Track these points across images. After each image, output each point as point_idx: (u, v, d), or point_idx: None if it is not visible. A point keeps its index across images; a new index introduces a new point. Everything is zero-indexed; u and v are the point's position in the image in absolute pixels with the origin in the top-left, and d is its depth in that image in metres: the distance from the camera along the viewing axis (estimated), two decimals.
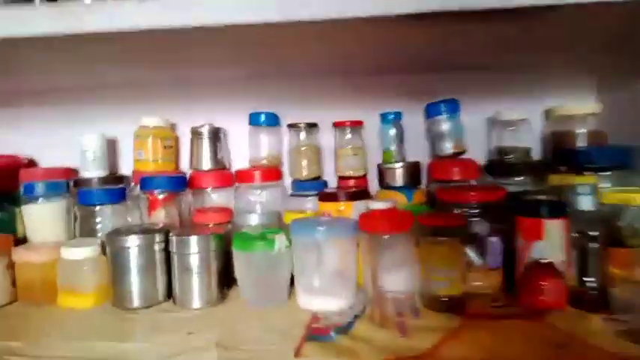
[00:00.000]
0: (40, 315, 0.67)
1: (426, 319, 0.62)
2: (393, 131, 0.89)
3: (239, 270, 0.69)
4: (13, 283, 0.71)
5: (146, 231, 0.70)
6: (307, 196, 0.87)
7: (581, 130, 0.82)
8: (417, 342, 0.55)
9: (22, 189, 0.80)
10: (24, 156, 0.96)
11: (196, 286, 0.68)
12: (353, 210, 0.75)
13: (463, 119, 0.87)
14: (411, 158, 0.91)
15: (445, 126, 0.85)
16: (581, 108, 0.82)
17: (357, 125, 0.91)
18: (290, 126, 0.93)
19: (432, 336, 0.57)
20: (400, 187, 0.84)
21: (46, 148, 1.00)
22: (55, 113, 1.01)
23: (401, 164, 0.85)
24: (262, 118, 0.91)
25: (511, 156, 0.84)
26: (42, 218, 0.81)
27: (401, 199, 0.82)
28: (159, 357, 0.53)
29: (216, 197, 0.90)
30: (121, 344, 0.57)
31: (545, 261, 0.65)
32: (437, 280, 0.65)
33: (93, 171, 0.88)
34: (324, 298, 0.66)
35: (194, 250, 0.68)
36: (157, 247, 0.70)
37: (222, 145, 0.94)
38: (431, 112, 0.87)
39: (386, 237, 0.66)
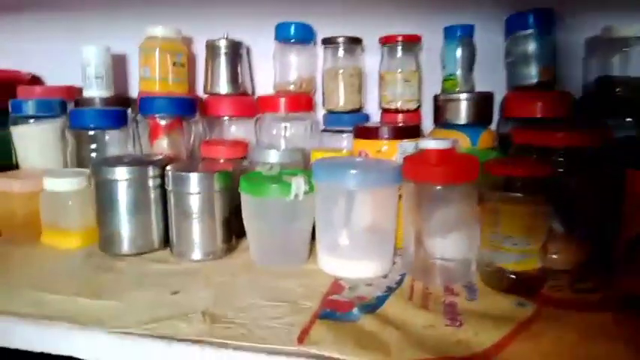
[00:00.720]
0: (13, 255, 0.57)
1: (484, 302, 0.46)
2: (459, 51, 0.69)
3: (247, 218, 0.55)
4: None
5: (139, 162, 0.57)
6: (343, 132, 0.70)
7: None
8: (471, 335, 0.40)
9: (10, 107, 0.68)
10: (27, 71, 0.84)
11: (196, 234, 0.55)
12: (397, 151, 0.58)
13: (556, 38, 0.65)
14: (479, 89, 0.71)
15: (532, 45, 0.64)
16: None
17: (412, 41, 0.70)
18: (326, 42, 0.74)
19: (492, 327, 0.41)
20: (463, 125, 0.65)
21: (50, 64, 0.88)
22: (58, 21, 0.88)
23: (467, 95, 0.65)
24: (292, 31, 0.73)
25: (619, 89, 0.62)
26: (32, 142, 0.70)
27: (463, 141, 0.64)
28: (136, 321, 0.41)
29: (234, 129, 0.75)
30: (92, 301, 0.45)
31: None
32: (505, 250, 0.48)
33: (95, 90, 0.75)
34: (351, 261, 0.52)
35: (194, 190, 0.54)
36: (151, 183, 0.57)
37: (244, 64, 0.77)
38: (513, 25, 0.66)
39: (438, 188, 0.49)
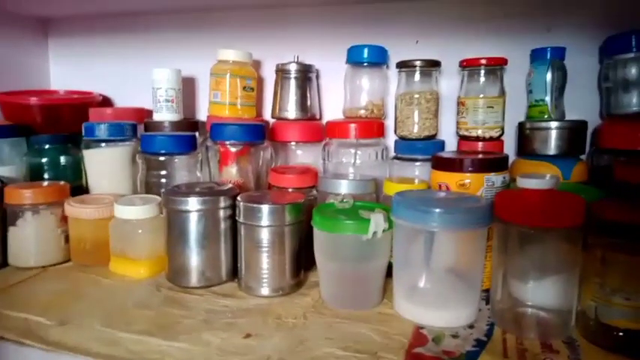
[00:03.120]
0: (83, 282, 0.56)
1: None
2: (549, 75, 0.63)
3: (320, 255, 0.52)
4: (67, 239, 0.62)
5: (211, 192, 0.56)
6: (417, 160, 0.66)
7: None
8: None
9: (83, 130, 0.69)
10: (98, 93, 0.87)
11: (265, 268, 0.52)
12: (484, 185, 0.53)
13: None
14: (568, 117, 0.65)
15: (634, 70, 0.57)
16: None
17: (496, 65, 0.65)
18: (401, 65, 0.71)
19: None
20: (554, 156, 0.59)
21: (121, 85, 0.90)
22: (130, 43, 0.90)
23: (559, 123, 0.59)
24: (365, 53, 0.70)
25: None
26: (103, 166, 0.70)
27: (553, 174, 0.58)
28: None
29: (301, 154, 0.73)
30: (163, 342, 0.43)
31: None
32: (615, 305, 0.42)
33: (165, 113, 0.76)
34: (432, 308, 0.47)
35: (265, 222, 0.52)
36: (221, 214, 0.55)
37: (313, 88, 0.75)
38: (613, 47, 0.59)
39: (539, 232, 0.43)
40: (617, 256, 0.42)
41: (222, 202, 0.54)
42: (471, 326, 0.46)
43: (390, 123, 0.74)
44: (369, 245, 0.48)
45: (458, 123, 0.69)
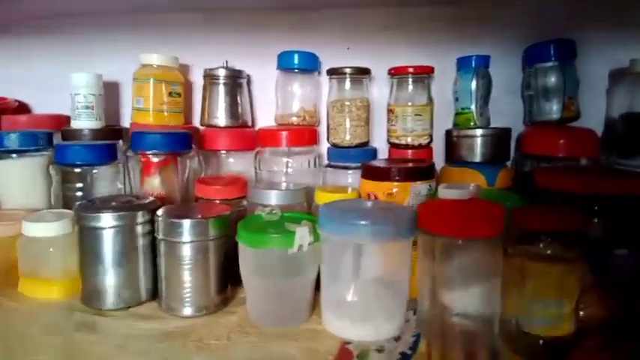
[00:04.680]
0: None
1: None
2: (474, 83, 0.64)
3: (245, 271, 0.49)
4: None
5: (127, 207, 0.52)
6: (349, 168, 0.65)
7: None
8: None
9: None
10: (13, 99, 0.80)
11: (187, 287, 0.49)
12: (410, 194, 0.53)
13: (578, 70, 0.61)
14: (493, 124, 0.66)
15: (553, 78, 0.59)
16: None
17: (424, 73, 0.66)
18: (332, 72, 0.70)
19: None
20: (479, 163, 0.60)
21: (39, 91, 0.83)
22: (47, 45, 0.83)
23: (484, 130, 0.61)
24: (295, 59, 0.69)
25: None
26: (14, 179, 0.64)
27: (478, 180, 0.59)
28: None
29: (232, 162, 0.70)
30: None
31: None
32: (534, 314, 0.42)
33: (84, 121, 0.71)
34: (359, 322, 0.46)
35: (187, 238, 0.49)
36: (139, 230, 0.51)
37: (244, 94, 0.73)
38: (533, 56, 0.61)
39: (459, 242, 0.44)
40: (535, 264, 0.43)
41: (140, 218, 0.51)
42: (397, 338, 0.46)
43: (323, 130, 0.73)
44: (295, 259, 0.47)
45: (388, 131, 0.69)
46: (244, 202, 0.59)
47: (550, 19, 0.65)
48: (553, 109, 0.60)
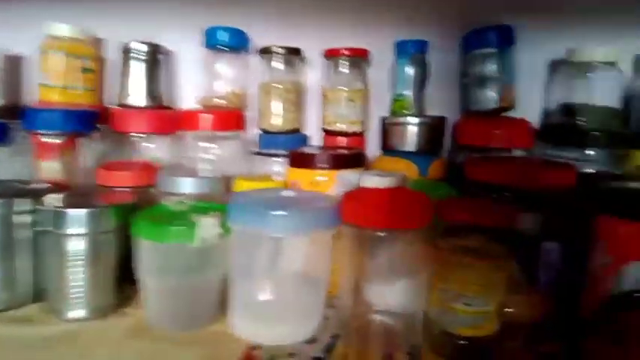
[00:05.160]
0: None
1: None
2: (411, 70, 0.61)
3: (140, 267, 0.43)
4: None
5: (6, 193, 0.45)
6: (278, 155, 0.60)
7: None
8: None
9: None
10: None
11: (75, 286, 0.43)
12: (337, 183, 0.49)
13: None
14: (430, 112, 0.63)
15: (491, 66, 0.57)
16: None
17: (359, 56, 0.62)
18: (262, 51, 0.64)
19: None
20: (412, 152, 0.57)
21: None
22: None
23: (418, 119, 0.57)
24: (222, 36, 0.63)
25: (584, 118, 0.56)
26: None
27: (411, 171, 0.55)
28: None
29: (150, 147, 0.63)
30: None
31: None
32: (457, 311, 0.39)
33: None
34: (271, 323, 0.41)
35: (75, 230, 0.42)
36: (16, 220, 0.44)
37: (163, 73, 0.66)
38: (471, 43, 0.58)
39: (382, 234, 0.40)
40: (460, 259, 0.40)
41: (19, 206, 0.44)
42: (312, 340, 0.41)
43: (254, 115, 0.68)
44: (199, 255, 0.41)
45: (323, 117, 0.64)
46: (153, 191, 0.53)
47: (490, 5, 0.63)
48: (489, 98, 0.58)
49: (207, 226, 0.41)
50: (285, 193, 0.46)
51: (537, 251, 0.44)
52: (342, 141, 0.62)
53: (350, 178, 0.49)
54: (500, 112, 0.58)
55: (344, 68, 0.62)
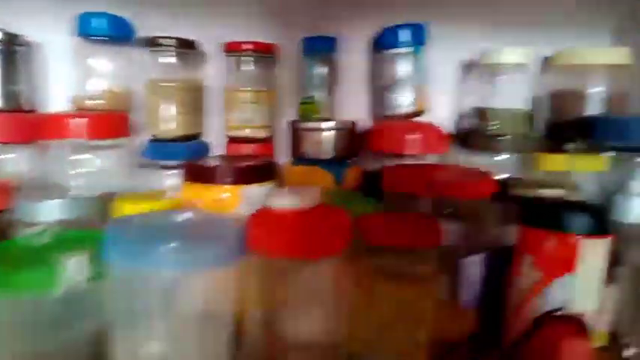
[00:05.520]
0: None
1: None
2: (321, 70, 0.55)
3: None
4: None
5: None
6: (170, 167, 0.52)
7: (598, 90, 0.54)
8: None
9: None
10: None
11: None
12: (243, 201, 0.42)
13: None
14: (340, 116, 0.59)
15: (403, 67, 0.54)
16: (604, 55, 0.54)
17: (265, 52, 0.55)
18: (149, 43, 0.55)
19: None
20: (327, 160, 0.52)
21: None
22: None
23: (333, 124, 0.52)
24: (99, 24, 0.52)
25: (496, 122, 0.55)
26: None
27: (325, 180, 0.50)
28: None
29: (5, 161, 0.51)
30: None
31: (573, 313, 0.37)
32: (384, 344, 0.35)
33: None
34: None
35: None
36: None
37: (23, 68, 0.54)
38: (382, 42, 0.55)
39: (297, 263, 0.34)
40: (383, 284, 0.35)
41: None
42: None
43: (140, 119, 0.58)
44: (64, 305, 0.32)
45: (226, 121, 0.57)
46: (7, 219, 0.41)
47: (402, 2, 0.60)
48: (402, 102, 0.55)
49: (74, 267, 0.31)
50: (179, 216, 0.38)
51: (461, 267, 0.42)
52: (249, 149, 0.55)
53: (258, 194, 0.42)
54: (414, 116, 0.55)
55: (249, 65, 0.55)
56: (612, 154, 0.48)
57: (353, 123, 0.55)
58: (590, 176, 0.49)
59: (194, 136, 0.56)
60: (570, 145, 0.52)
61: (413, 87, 0.55)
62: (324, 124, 0.52)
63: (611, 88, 0.53)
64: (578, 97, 0.55)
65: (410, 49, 0.53)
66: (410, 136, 0.52)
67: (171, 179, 0.52)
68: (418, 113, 0.56)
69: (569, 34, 0.58)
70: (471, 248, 0.42)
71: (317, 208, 0.37)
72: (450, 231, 0.41)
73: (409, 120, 0.56)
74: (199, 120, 0.57)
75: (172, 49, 0.54)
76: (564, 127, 0.55)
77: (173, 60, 0.55)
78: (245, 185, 0.42)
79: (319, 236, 0.33)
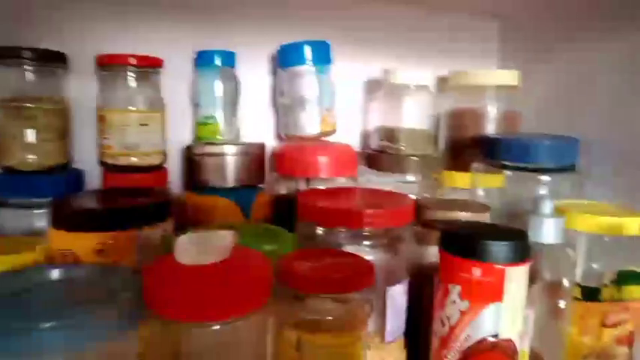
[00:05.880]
0: None
1: None
2: (220, 86, 0.49)
3: None
4: None
5: None
6: (31, 206, 0.41)
7: (491, 109, 0.57)
8: None
9: None
10: None
11: None
12: (132, 249, 0.34)
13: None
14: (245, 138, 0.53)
15: (311, 84, 0.50)
16: (497, 76, 0.56)
17: (149, 67, 0.47)
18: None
19: None
20: (232, 189, 0.46)
21: None
22: None
23: (238, 148, 0.46)
24: None
25: (403, 143, 0.54)
26: None
27: (232, 212, 0.44)
28: None
29: None
30: None
31: (502, 339, 0.36)
32: None
33: None
34: None
35: None
36: None
37: None
38: (287, 58, 0.50)
39: (209, 329, 0.27)
40: (310, 337, 0.31)
41: None
42: None
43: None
44: None
45: (101, 147, 0.47)
46: None
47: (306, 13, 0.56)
48: (310, 121, 0.51)
49: None
50: (51, 274, 0.29)
51: (387, 297, 0.39)
52: (133, 179, 0.46)
53: (150, 237, 0.35)
54: (322, 136, 0.52)
55: (131, 82, 0.47)
56: (508, 172, 0.50)
57: (261, 145, 0.49)
58: (492, 192, 0.51)
59: (62, 166, 0.46)
60: (473, 164, 0.53)
61: (324, 105, 0.51)
62: (229, 148, 0.45)
63: (503, 107, 0.56)
64: (474, 116, 0.57)
65: (315, 67, 0.50)
66: (321, 159, 0.49)
67: (37, 219, 0.41)
68: (326, 133, 0.53)
69: (463, 56, 0.61)
70: (393, 276, 0.40)
71: (230, 257, 0.31)
72: (374, 262, 0.38)
73: (318, 140, 0.52)
74: (68, 146, 0.47)
75: (29, 62, 0.43)
76: (463, 145, 0.56)
77: (31, 76, 0.44)
78: (136, 230, 0.34)
79: (232, 294, 0.27)
